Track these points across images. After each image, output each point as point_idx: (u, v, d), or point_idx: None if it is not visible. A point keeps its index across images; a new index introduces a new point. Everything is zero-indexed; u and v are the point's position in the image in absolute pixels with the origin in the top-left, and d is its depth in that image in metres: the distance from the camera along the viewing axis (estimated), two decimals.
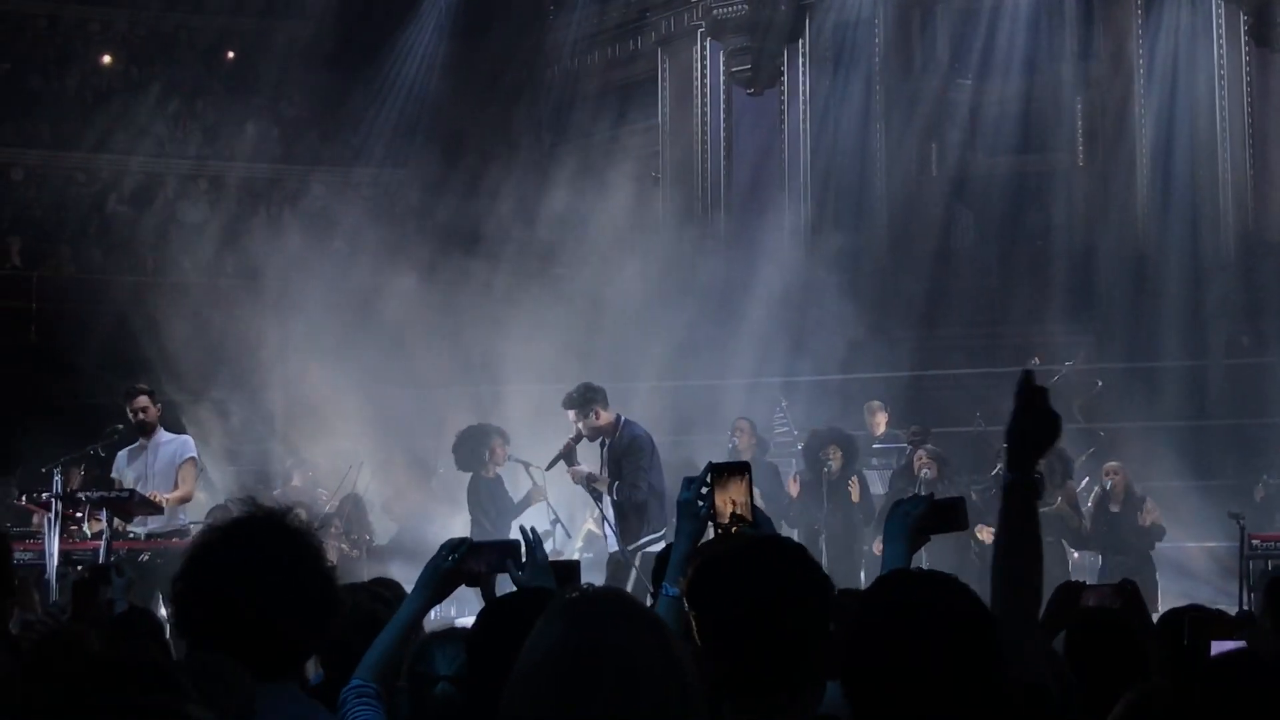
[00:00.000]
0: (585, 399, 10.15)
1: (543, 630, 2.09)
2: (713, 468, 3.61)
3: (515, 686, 2.03)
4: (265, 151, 21.47)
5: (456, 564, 3.67)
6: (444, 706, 3.32)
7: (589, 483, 10.20)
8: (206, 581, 2.75)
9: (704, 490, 3.52)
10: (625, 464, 9.97)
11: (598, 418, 10.11)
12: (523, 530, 3.88)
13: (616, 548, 9.91)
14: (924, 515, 3.49)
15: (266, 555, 2.74)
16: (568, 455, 10.27)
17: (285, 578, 2.72)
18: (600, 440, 10.19)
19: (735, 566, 2.37)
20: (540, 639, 2.06)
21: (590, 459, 10.43)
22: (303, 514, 11.29)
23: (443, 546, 3.73)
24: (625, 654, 1.98)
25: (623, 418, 10.24)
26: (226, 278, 19.29)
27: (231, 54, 22.40)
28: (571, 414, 10.16)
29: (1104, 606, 5.12)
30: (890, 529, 3.51)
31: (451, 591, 3.75)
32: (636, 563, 9.45)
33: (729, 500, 3.61)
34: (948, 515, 3.57)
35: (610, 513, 10.04)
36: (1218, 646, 4.04)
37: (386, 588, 4.50)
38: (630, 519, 9.93)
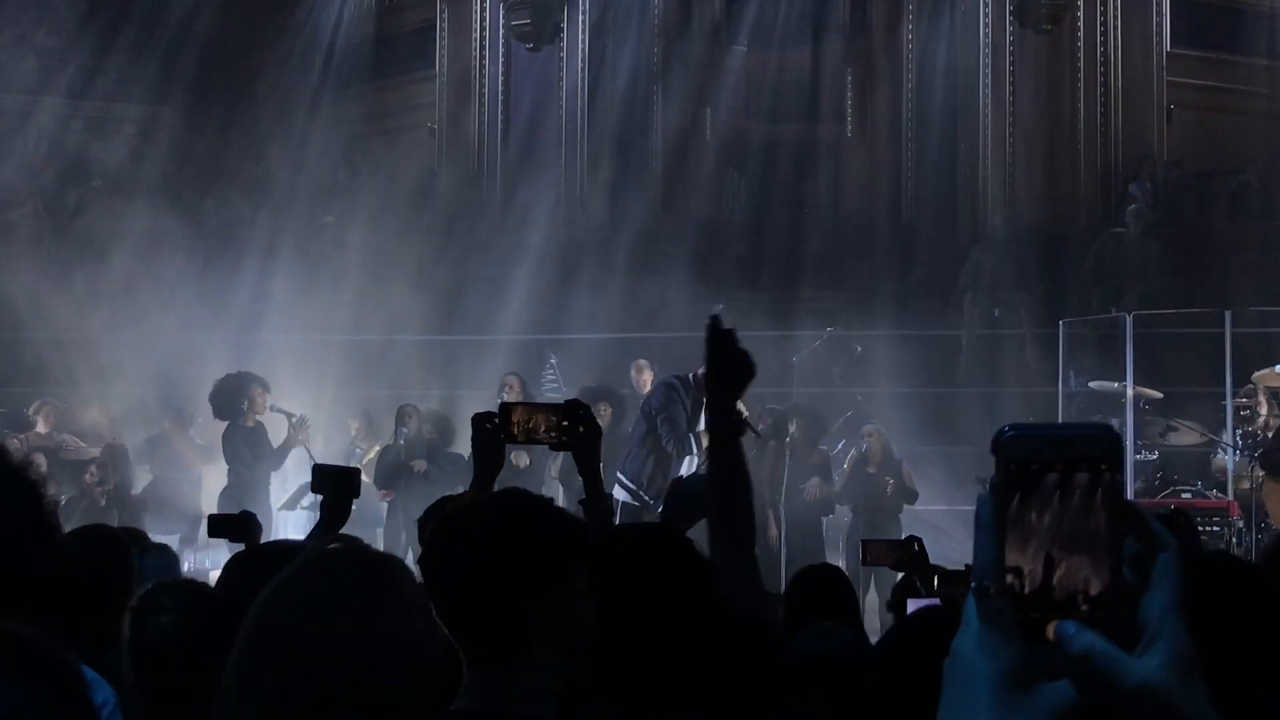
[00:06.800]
0: None
1: (276, 583, 2.05)
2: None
3: (240, 635, 1.99)
4: (18, 82, 20.51)
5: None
6: (171, 642, 3.20)
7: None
8: None
9: None
10: None
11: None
12: None
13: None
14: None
15: None
16: None
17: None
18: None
19: (458, 522, 2.36)
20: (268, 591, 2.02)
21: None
22: (40, 460, 10.88)
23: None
24: (326, 618, 1.95)
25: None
26: None
27: None
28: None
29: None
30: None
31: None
32: None
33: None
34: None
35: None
36: (913, 605, 4.23)
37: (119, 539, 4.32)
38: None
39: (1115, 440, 1.08)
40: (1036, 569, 1.06)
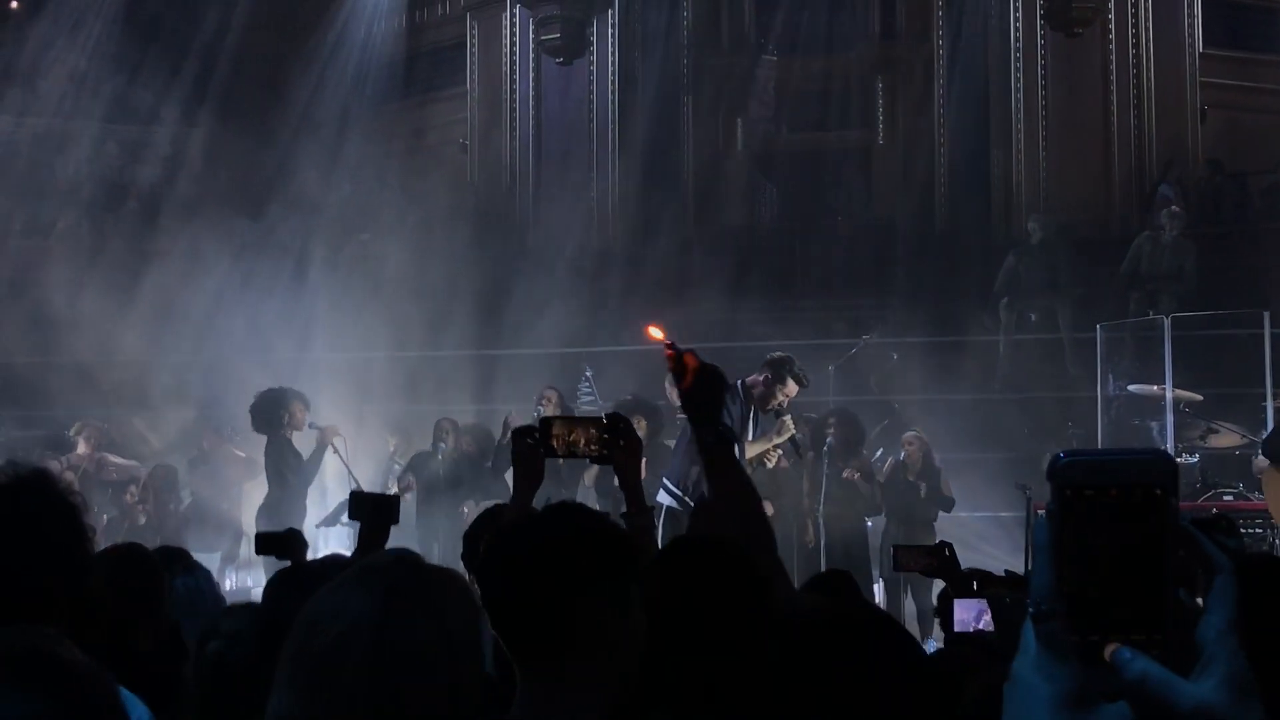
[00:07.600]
0: None
1: (324, 593, 2.06)
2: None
3: (287, 649, 2.01)
4: (54, 106, 20.70)
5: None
6: (215, 667, 3.23)
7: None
8: None
9: None
10: None
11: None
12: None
13: None
14: None
15: (23, 513, 2.66)
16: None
17: (39, 535, 2.63)
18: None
19: (512, 536, 2.37)
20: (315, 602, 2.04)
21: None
22: (70, 478, 10.99)
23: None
24: (382, 627, 1.97)
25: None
26: (16, 237, 18.61)
27: (18, 3, 21.49)
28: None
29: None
30: None
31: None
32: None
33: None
34: None
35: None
36: (959, 608, 4.24)
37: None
38: None
39: (1170, 464, 1.09)
40: (1093, 592, 1.08)
